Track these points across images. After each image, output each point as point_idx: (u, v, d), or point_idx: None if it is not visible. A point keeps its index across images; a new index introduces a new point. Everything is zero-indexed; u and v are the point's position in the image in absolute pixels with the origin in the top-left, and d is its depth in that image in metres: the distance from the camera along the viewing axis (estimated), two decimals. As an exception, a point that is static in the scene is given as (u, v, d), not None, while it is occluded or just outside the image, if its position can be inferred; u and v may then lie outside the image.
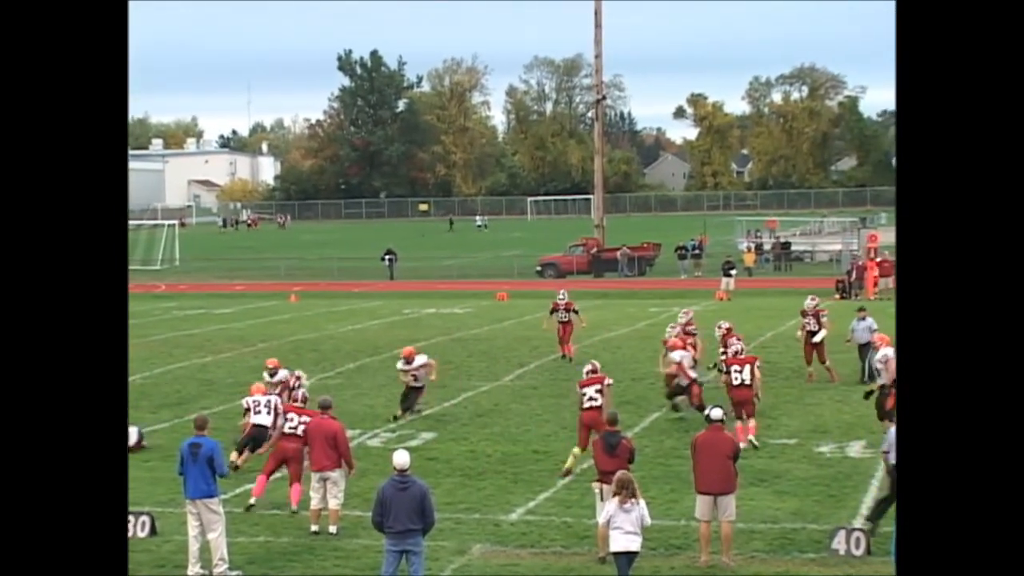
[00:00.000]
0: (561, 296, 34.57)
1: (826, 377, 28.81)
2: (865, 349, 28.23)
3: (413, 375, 25.41)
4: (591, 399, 20.26)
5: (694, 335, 27.81)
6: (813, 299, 30.03)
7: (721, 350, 25.22)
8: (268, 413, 20.78)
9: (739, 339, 25.02)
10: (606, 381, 20.87)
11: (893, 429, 16.36)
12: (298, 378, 22.60)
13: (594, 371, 21.11)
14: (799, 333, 30.20)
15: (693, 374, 24.78)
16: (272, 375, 22.95)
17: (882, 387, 22.47)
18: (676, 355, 24.70)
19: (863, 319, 28.81)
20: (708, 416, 16.55)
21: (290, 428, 18.69)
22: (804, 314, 29.69)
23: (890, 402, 21.63)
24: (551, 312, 34.36)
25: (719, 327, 26.72)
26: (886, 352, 22.64)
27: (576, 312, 34.22)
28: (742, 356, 23.12)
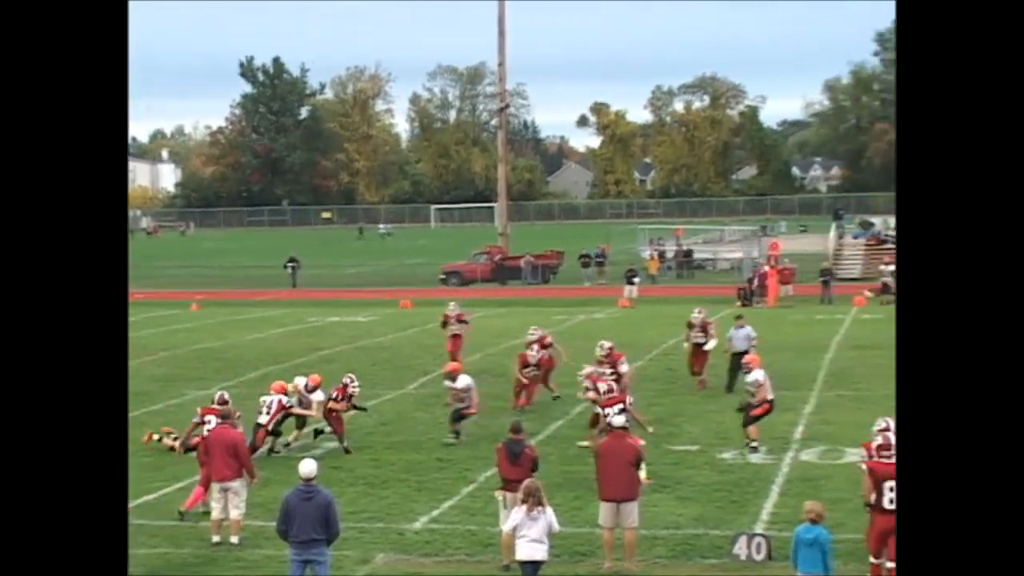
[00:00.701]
0: (452, 308, 33.73)
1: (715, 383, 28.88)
2: (739, 357, 28.45)
3: (458, 397, 24.13)
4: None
5: (550, 346, 27.95)
6: (700, 311, 29.94)
7: (600, 371, 24.29)
8: (267, 413, 22.34)
9: (617, 363, 24.42)
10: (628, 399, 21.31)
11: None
12: (351, 380, 23.88)
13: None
14: (686, 345, 30.06)
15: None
16: (310, 391, 23.19)
17: (749, 404, 22.49)
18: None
19: (741, 327, 28.87)
20: (610, 423, 16.62)
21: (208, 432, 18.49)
22: (691, 326, 29.45)
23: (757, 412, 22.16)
24: (442, 325, 33.64)
25: (601, 347, 25.44)
26: (757, 376, 22.37)
27: (466, 323, 33.49)
28: (614, 395, 21.63)
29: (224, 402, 19.26)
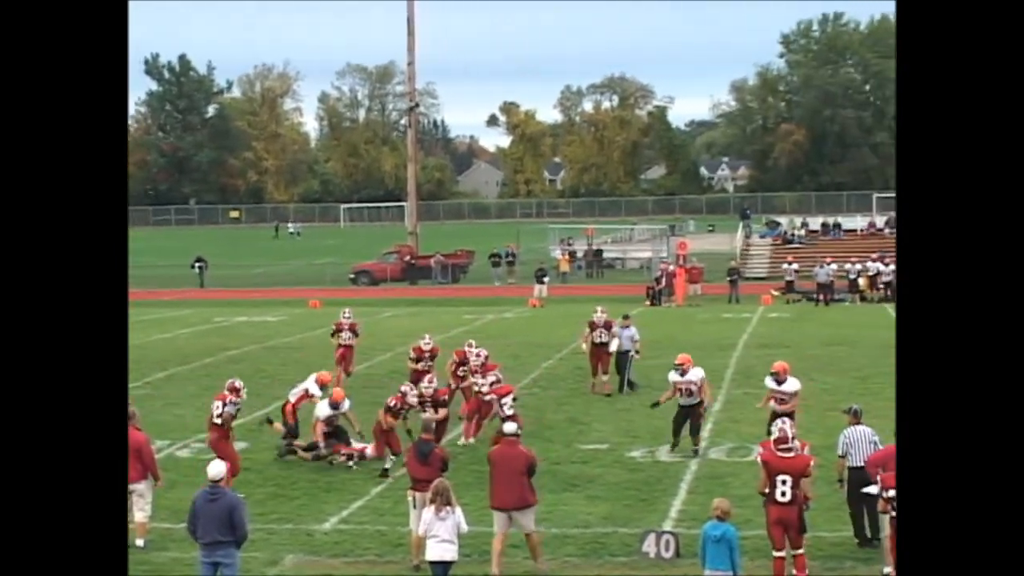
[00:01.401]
0: (345, 315, 31.62)
1: (605, 385, 28.75)
2: (624, 357, 28.60)
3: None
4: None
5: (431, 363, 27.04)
6: (603, 310, 29.72)
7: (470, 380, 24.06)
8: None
9: (488, 374, 23.18)
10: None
11: (850, 429, 16.70)
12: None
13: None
14: (584, 345, 29.53)
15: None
16: (335, 407, 22.30)
17: (698, 404, 22.07)
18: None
19: (627, 327, 28.95)
20: (501, 430, 16.62)
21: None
22: (593, 326, 28.93)
23: (697, 417, 22.06)
24: (333, 333, 31.45)
25: (478, 355, 24.63)
26: (699, 373, 22.11)
27: (357, 334, 31.41)
28: (502, 386, 21.63)
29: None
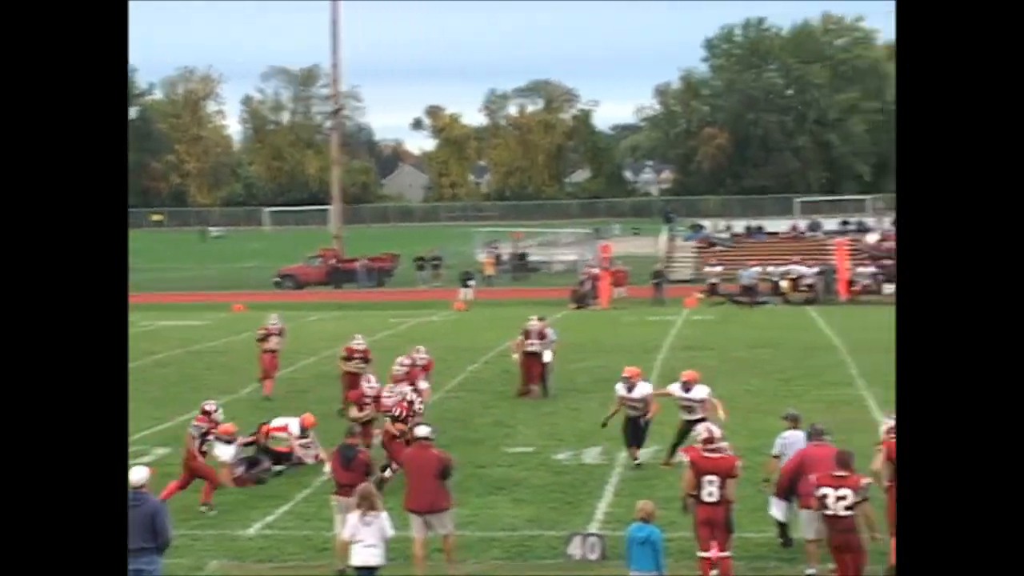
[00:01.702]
0: (273, 321, 30.76)
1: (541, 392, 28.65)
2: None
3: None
4: None
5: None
6: (541, 319, 29.78)
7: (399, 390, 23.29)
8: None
9: (416, 380, 22.97)
10: None
11: (789, 432, 16.81)
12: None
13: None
14: (515, 354, 29.24)
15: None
16: (304, 433, 22.20)
17: (641, 419, 21.45)
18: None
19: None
20: (415, 434, 16.61)
21: None
22: (528, 333, 28.78)
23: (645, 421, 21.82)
24: (261, 339, 30.34)
25: (401, 364, 23.62)
26: (647, 387, 21.73)
27: (282, 337, 30.60)
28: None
29: None
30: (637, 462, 21.39)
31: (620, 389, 21.62)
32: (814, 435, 16.09)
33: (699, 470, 14.85)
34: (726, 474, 14.82)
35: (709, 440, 15.03)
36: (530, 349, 28.72)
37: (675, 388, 21.30)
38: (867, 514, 14.04)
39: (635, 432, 21.51)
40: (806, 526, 15.42)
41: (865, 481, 14.20)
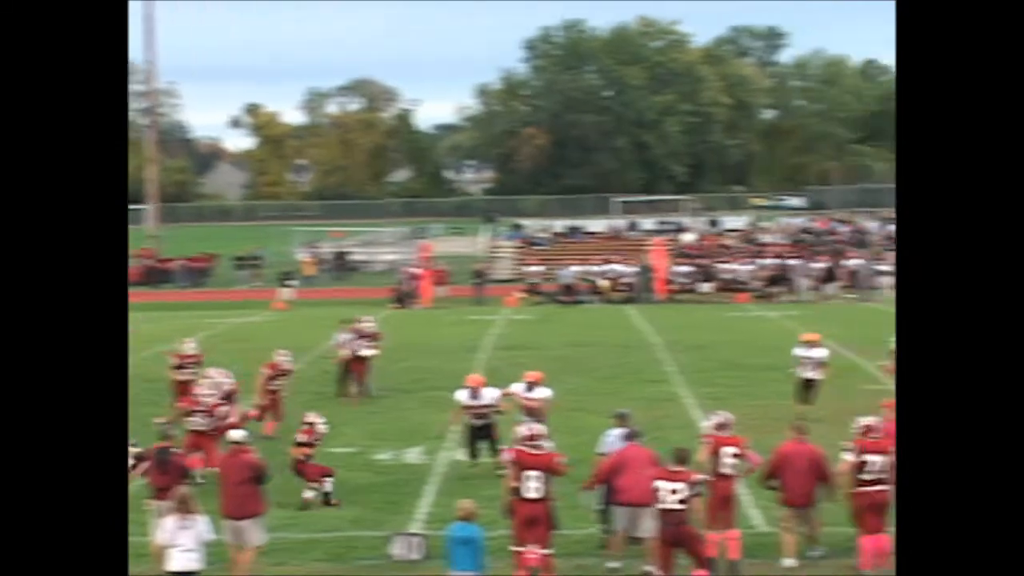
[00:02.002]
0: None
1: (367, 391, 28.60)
2: (349, 363, 28.44)
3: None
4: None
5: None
6: (370, 319, 29.69)
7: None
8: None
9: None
10: None
11: (616, 430, 16.88)
12: None
13: None
14: (343, 352, 28.92)
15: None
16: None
17: (489, 424, 21.26)
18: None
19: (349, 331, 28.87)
20: (228, 438, 16.44)
21: None
22: (361, 335, 28.73)
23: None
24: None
25: (262, 374, 23.84)
26: (494, 392, 21.50)
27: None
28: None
29: None
30: (476, 462, 21.19)
31: (463, 397, 21.38)
32: (631, 436, 16.39)
33: (522, 466, 15.00)
34: (548, 470, 14.99)
35: (531, 437, 15.21)
36: (362, 353, 28.49)
37: (518, 388, 21.32)
38: (696, 509, 14.55)
39: (483, 436, 21.23)
40: (617, 520, 15.76)
41: (697, 477, 14.65)
